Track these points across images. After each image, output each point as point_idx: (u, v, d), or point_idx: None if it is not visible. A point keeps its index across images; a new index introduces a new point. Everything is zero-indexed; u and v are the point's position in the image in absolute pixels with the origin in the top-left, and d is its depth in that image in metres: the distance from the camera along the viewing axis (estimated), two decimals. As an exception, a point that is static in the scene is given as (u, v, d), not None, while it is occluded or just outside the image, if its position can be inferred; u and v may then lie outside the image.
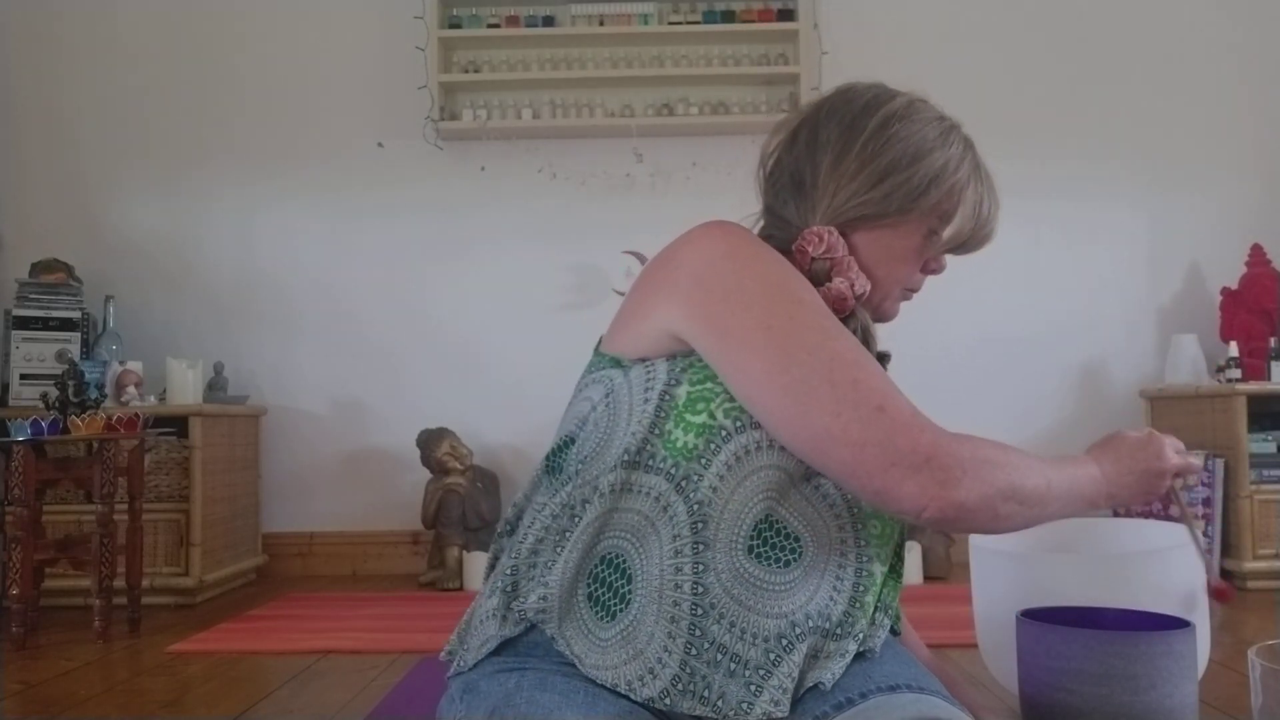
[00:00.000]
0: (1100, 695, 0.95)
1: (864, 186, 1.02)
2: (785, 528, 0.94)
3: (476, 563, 3.28)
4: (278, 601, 3.13)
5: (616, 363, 1.00)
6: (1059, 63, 3.72)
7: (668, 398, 0.94)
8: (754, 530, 0.92)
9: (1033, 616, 1.07)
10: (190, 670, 2.31)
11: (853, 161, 1.02)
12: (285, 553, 3.66)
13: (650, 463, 0.93)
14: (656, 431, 0.93)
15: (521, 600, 0.94)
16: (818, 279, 1.00)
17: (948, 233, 1.06)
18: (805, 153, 1.05)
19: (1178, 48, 3.73)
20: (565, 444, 1.01)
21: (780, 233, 1.06)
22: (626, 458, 0.93)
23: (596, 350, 1.05)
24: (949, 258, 1.11)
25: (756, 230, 1.08)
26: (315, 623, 2.78)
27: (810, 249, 1.01)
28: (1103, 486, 0.99)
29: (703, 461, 0.91)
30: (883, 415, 0.87)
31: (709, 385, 0.93)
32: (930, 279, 1.12)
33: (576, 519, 0.95)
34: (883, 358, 1.07)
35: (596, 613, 0.92)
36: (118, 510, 2.73)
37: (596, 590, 0.92)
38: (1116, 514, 3.38)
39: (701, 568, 0.91)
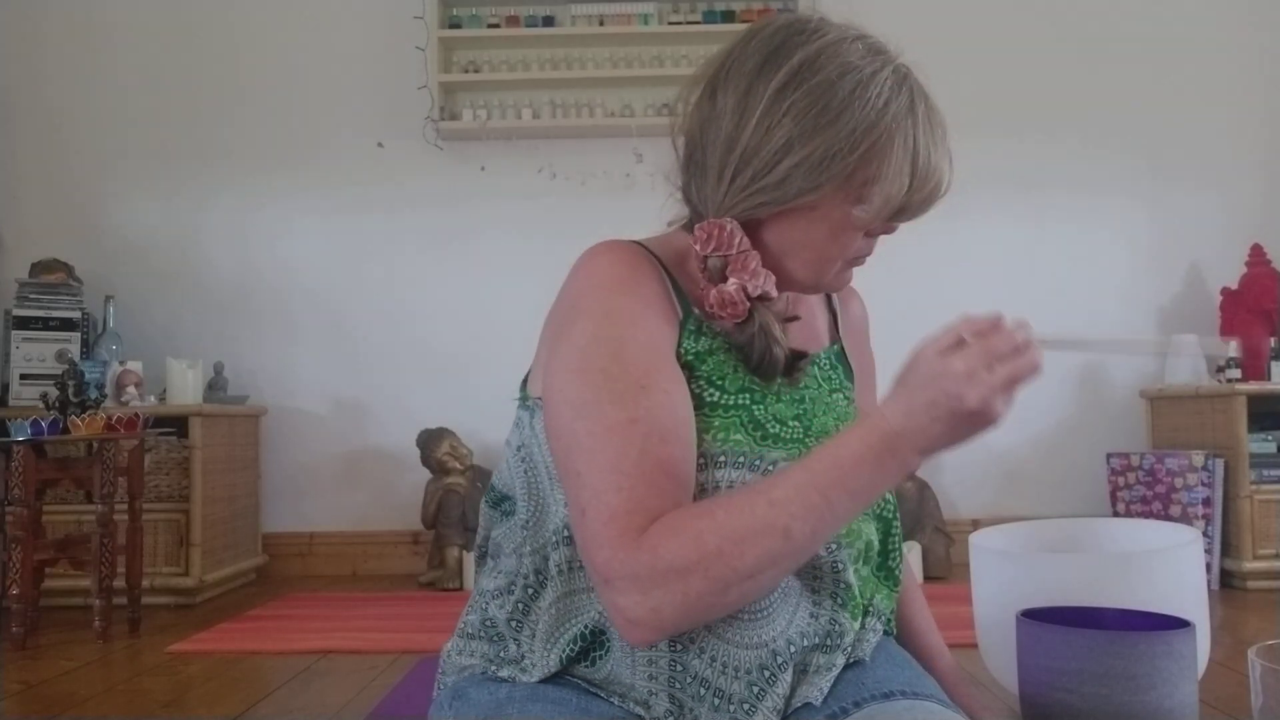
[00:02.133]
0: (1100, 695, 0.95)
1: (761, 171, 0.86)
2: None
3: (476, 563, 3.27)
4: (278, 601, 3.13)
5: (524, 400, 0.96)
6: (1059, 63, 3.72)
7: None
8: None
9: (1033, 616, 1.07)
10: (190, 670, 2.30)
11: (748, 139, 0.87)
12: (285, 553, 3.66)
13: None
14: None
15: (499, 666, 0.93)
16: (714, 278, 0.89)
17: (876, 200, 0.87)
18: (705, 123, 0.92)
19: (1178, 48, 3.73)
20: (496, 488, 1.00)
21: (694, 217, 0.94)
22: (567, 533, 0.88)
23: (523, 381, 0.99)
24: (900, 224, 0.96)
25: (685, 212, 0.98)
26: (315, 623, 2.78)
27: (699, 247, 0.89)
28: (891, 459, 0.78)
29: None
30: (584, 520, 0.80)
31: None
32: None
33: (532, 593, 0.92)
34: (796, 357, 0.94)
35: (581, 663, 0.91)
36: (118, 510, 2.73)
37: (575, 652, 0.90)
38: (1117, 514, 3.38)
39: None
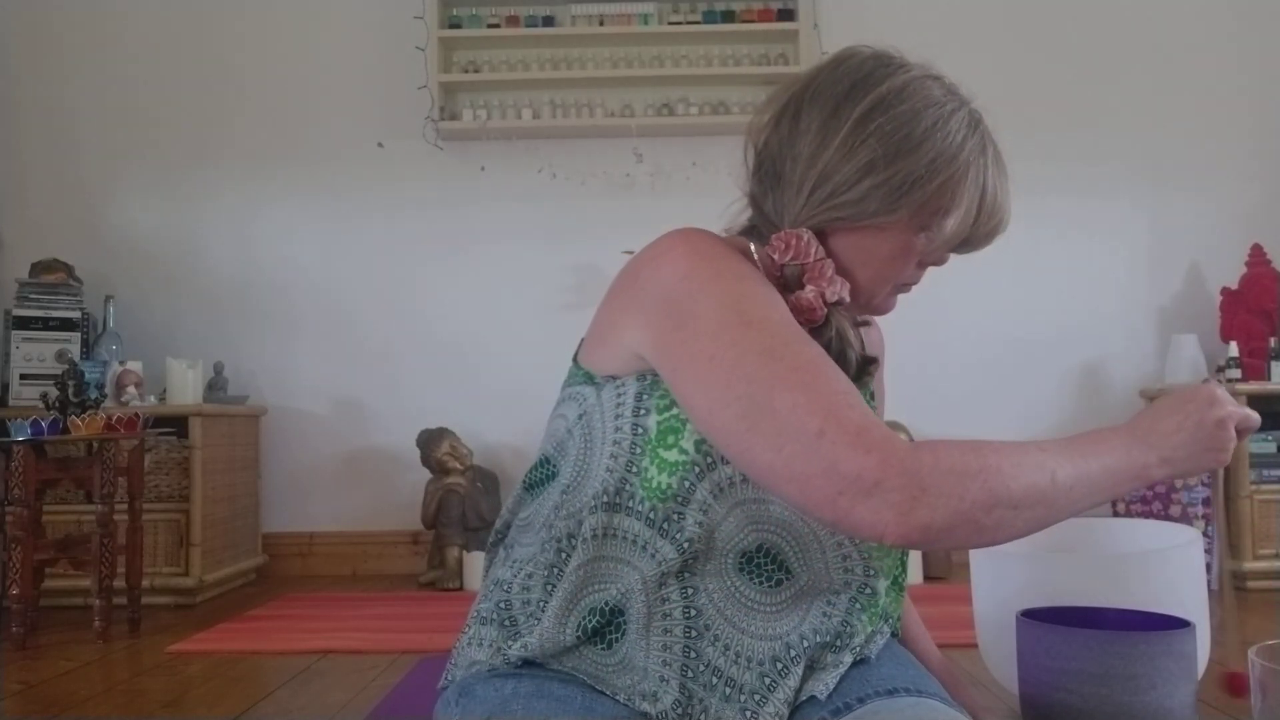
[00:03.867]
0: (1100, 695, 0.95)
1: (841, 187, 0.91)
2: (778, 555, 0.91)
3: (476, 563, 3.27)
4: (278, 601, 3.13)
5: (590, 378, 0.96)
6: (1059, 63, 3.73)
7: (640, 430, 0.90)
8: (743, 554, 0.90)
9: (1033, 616, 1.07)
10: (190, 670, 2.30)
11: (831, 156, 0.91)
12: (285, 553, 3.66)
13: (629, 504, 0.90)
14: (634, 470, 0.90)
15: (512, 643, 0.93)
16: (789, 285, 0.94)
17: (944, 231, 0.94)
18: (786, 140, 0.95)
19: (1178, 47, 3.73)
20: (543, 463, 1.00)
21: (763, 226, 0.99)
22: (606, 499, 0.90)
23: (574, 359, 1.01)
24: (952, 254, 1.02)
25: (744, 219, 1.02)
26: (315, 623, 2.78)
27: (776, 256, 0.93)
28: (1144, 453, 0.85)
29: (680, 500, 0.88)
30: (823, 441, 0.78)
31: (676, 412, 0.89)
32: (932, 278, 1.06)
33: (563, 556, 0.93)
34: (867, 362, 1.00)
35: (595, 643, 0.91)
36: (118, 510, 2.73)
37: (591, 627, 0.91)
38: (1117, 514, 3.38)
39: (692, 591, 0.90)
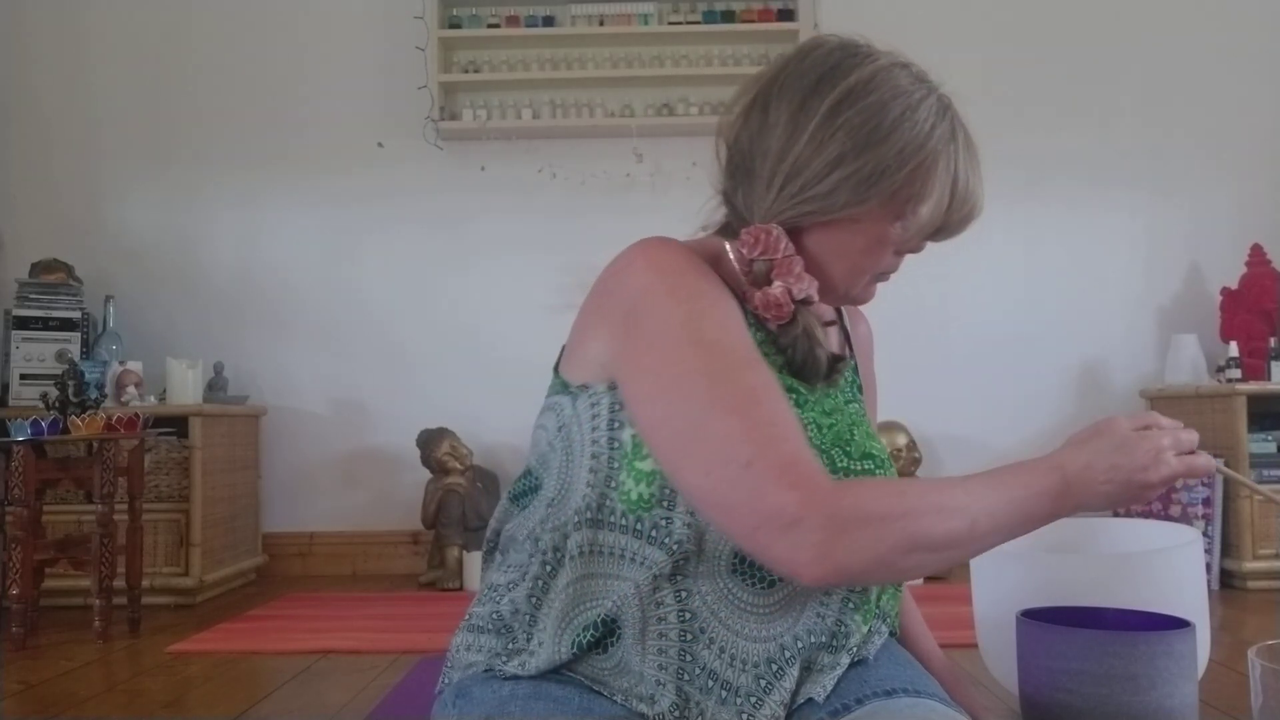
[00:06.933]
0: (1100, 695, 0.95)
1: (810, 181, 0.91)
2: None
3: (476, 563, 3.27)
4: (278, 601, 3.13)
5: (565, 387, 0.97)
6: (1059, 62, 3.72)
7: (616, 444, 0.90)
8: (735, 554, 0.89)
9: (1033, 616, 1.07)
10: (190, 670, 2.31)
11: (800, 151, 0.91)
12: (285, 553, 3.66)
13: (611, 519, 0.90)
14: (611, 484, 0.90)
15: (508, 660, 0.93)
16: (758, 280, 0.93)
17: (918, 219, 0.93)
18: (755, 135, 0.95)
19: (1178, 47, 3.73)
20: (527, 475, 1.00)
21: (736, 222, 0.98)
22: (589, 514, 0.90)
23: (555, 368, 1.01)
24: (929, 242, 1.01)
25: (719, 216, 1.02)
26: (315, 623, 2.78)
27: (745, 250, 0.93)
28: (1063, 501, 0.84)
29: (665, 505, 0.88)
30: (749, 472, 0.79)
31: None
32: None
33: (549, 569, 0.92)
34: (836, 360, 0.99)
35: (592, 651, 0.91)
36: (118, 510, 2.73)
37: (586, 639, 0.90)
38: (1116, 514, 3.38)
39: (685, 594, 0.89)
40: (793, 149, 0.92)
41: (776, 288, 0.92)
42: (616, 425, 0.90)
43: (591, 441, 0.91)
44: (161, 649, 2.52)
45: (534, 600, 0.93)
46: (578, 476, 0.92)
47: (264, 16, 3.77)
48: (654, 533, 0.88)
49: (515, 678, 0.92)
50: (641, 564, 0.89)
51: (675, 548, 0.88)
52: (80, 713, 1.96)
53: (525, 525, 0.97)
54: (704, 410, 0.82)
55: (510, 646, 0.94)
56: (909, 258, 1.01)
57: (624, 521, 0.89)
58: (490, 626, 0.96)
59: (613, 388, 0.91)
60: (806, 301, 0.93)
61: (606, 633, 0.90)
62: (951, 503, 0.80)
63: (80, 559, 2.70)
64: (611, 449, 0.90)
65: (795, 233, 0.94)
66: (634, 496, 0.88)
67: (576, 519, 0.90)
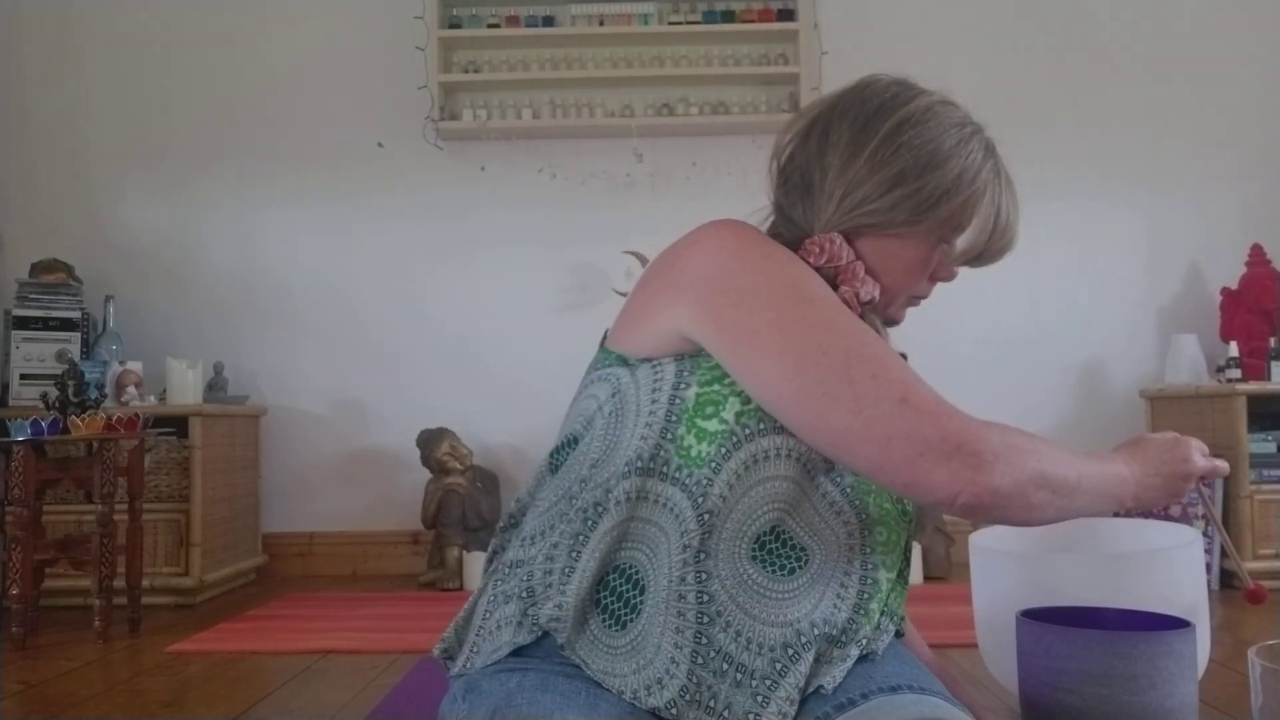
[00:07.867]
0: (1100, 695, 0.95)
1: (871, 195, 0.98)
2: (792, 539, 0.93)
3: (476, 563, 3.27)
4: (278, 601, 3.13)
5: (623, 361, 0.98)
6: (1059, 62, 3.72)
7: (677, 400, 0.93)
8: (758, 539, 0.92)
9: (1033, 616, 1.07)
10: (190, 670, 2.31)
11: (861, 167, 0.99)
12: (285, 553, 3.66)
13: (665, 470, 0.92)
14: (669, 437, 0.92)
15: (537, 608, 0.93)
16: None
17: (960, 245, 1.04)
18: (816, 152, 1.02)
19: (1178, 47, 3.73)
20: (569, 442, 1.01)
21: (788, 233, 1.04)
22: (640, 464, 0.91)
23: (602, 346, 1.03)
24: (961, 268, 1.09)
25: (765, 228, 1.07)
26: (315, 623, 2.78)
27: (811, 260, 0.98)
28: (1130, 487, 0.98)
29: (713, 467, 0.91)
30: (906, 407, 0.85)
31: (717, 387, 0.92)
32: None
33: (591, 524, 0.93)
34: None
35: (607, 623, 0.92)
36: (118, 510, 2.73)
37: (609, 600, 0.92)
38: (1117, 514, 3.38)
39: (705, 575, 0.90)
40: (854, 164, 0.99)
41: (844, 292, 0.99)
42: (682, 386, 0.93)
43: (651, 401, 0.94)
44: (161, 649, 2.52)
45: (573, 554, 0.93)
46: (630, 431, 0.94)
47: (264, 16, 3.77)
48: (695, 490, 0.91)
49: (523, 669, 0.92)
50: (677, 519, 0.91)
51: (705, 516, 0.90)
52: (80, 713, 1.96)
53: (561, 487, 0.98)
54: (842, 358, 0.87)
55: (540, 598, 0.94)
56: None
57: (678, 474, 0.92)
58: (517, 593, 0.95)
59: (679, 359, 0.95)
60: (871, 304, 1.00)
61: (629, 601, 0.91)
62: (1063, 455, 0.91)
63: (80, 559, 2.70)
64: (671, 405, 0.93)
65: (849, 241, 1.01)
66: (693, 453, 0.91)
67: (626, 469, 0.92)
